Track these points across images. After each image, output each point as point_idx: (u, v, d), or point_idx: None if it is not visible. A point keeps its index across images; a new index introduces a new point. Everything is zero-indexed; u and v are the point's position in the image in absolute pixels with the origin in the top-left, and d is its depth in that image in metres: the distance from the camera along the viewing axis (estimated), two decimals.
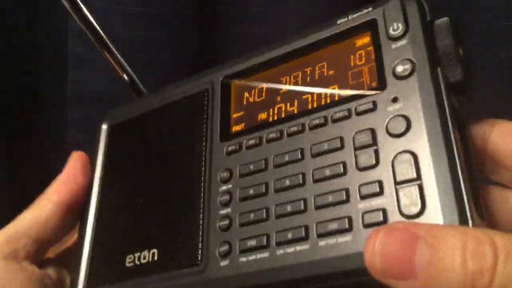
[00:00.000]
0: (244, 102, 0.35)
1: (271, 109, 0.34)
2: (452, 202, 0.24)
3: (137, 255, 0.34)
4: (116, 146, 0.40)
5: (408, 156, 0.26)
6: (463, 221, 0.24)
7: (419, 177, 0.26)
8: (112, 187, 0.38)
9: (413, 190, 0.25)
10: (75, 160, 0.39)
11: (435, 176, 0.25)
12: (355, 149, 0.28)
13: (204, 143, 0.34)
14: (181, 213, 0.33)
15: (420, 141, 0.26)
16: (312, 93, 0.32)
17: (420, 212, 0.25)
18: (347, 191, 0.27)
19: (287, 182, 0.30)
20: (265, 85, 0.35)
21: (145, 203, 0.35)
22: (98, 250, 0.36)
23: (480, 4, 0.45)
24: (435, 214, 0.24)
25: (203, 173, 0.33)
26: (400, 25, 0.30)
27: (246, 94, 0.35)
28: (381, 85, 0.29)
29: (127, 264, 0.34)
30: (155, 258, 0.33)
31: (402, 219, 0.25)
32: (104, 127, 0.41)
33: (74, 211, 0.37)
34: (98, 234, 0.36)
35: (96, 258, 0.36)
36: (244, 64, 0.36)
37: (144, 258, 0.33)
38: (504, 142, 0.29)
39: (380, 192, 0.26)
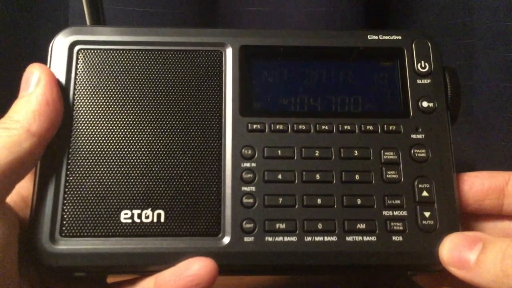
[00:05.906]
0: (263, 80, 0.36)
1: (293, 98, 0.36)
2: (456, 220, 0.32)
3: (136, 212, 0.32)
4: (95, 75, 0.34)
5: (427, 180, 0.33)
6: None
7: (434, 199, 0.33)
8: (94, 126, 0.33)
9: (430, 209, 0.32)
10: (50, 81, 0.32)
11: (445, 199, 0.33)
12: (382, 163, 0.33)
13: (221, 111, 0.34)
14: (195, 179, 0.33)
15: (437, 169, 0.33)
16: (336, 96, 0.36)
17: (434, 227, 0.32)
18: (373, 197, 0.33)
19: (317, 176, 0.33)
20: (287, 70, 0.36)
21: (145, 158, 0.33)
22: (75, 196, 0.32)
23: (480, 4, 0.48)
24: (444, 228, 0.32)
25: (221, 143, 0.34)
26: (427, 64, 0.35)
27: (265, 73, 0.36)
28: (405, 112, 0.35)
29: (123, 220, 0.32)
30: (162, 219, 0.32)
31: (419, 231, 0.32)
32: (79, 47, 0.35)
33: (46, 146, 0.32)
34: (74, 177, 0.33)
35: (73, 205, 0.32)
36: (265, 40, 0.36)
37: (147, 217, 0.32)
38: None
39: (402, 206, 0.32)
